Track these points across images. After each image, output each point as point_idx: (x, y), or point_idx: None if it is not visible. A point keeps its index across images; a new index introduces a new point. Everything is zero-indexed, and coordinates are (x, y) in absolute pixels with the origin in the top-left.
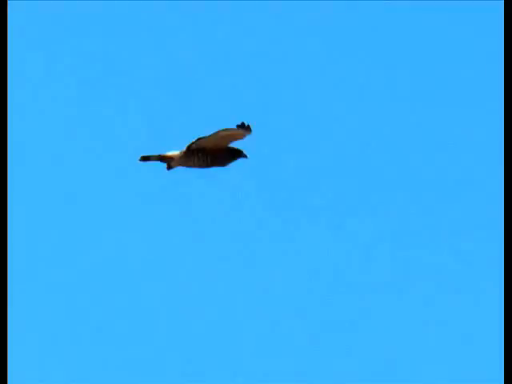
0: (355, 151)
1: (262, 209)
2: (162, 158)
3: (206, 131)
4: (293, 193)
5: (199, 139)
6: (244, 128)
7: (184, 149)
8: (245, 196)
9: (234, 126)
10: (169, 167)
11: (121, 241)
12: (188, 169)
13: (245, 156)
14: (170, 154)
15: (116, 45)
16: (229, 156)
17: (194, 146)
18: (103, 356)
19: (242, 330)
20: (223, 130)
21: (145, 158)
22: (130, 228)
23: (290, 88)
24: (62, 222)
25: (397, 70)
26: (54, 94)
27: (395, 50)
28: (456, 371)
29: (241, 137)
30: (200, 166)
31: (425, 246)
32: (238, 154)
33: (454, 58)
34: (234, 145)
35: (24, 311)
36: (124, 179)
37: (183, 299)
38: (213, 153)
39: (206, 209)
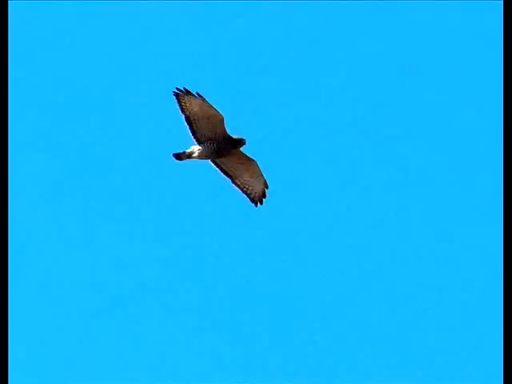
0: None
1: None
2: (188, 155)
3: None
4: None
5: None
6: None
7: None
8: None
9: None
10: (179, 159)
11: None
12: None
13: (244, 143)
14: (189, 150)
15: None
16: (231, 145)
17: (202, 136)
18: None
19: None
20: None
21: (177, 157)
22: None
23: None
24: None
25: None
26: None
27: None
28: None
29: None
30: (211, 155)
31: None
32: (238, 142)
33: (452, 60)
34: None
35: (24, 311)
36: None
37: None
38: (218, 143)
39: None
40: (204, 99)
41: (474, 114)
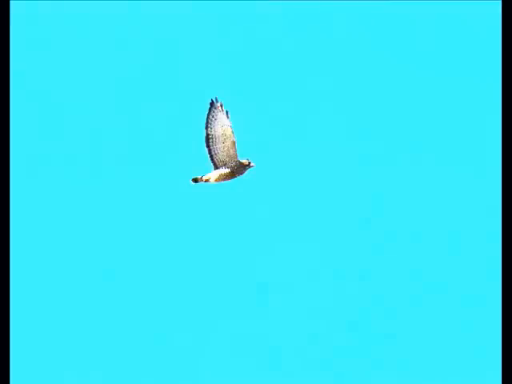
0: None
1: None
2: (206, 180)
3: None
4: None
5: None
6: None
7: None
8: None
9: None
10: (195, 181)
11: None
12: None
13: (253, 165)
14: (208, 175)
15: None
16: (242, 167)
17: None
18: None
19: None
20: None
21: (195, 180)
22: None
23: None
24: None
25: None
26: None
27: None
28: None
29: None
30: (226, 177)
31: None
32: (247, 164)
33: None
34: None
35: (26, 312)
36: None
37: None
38: (232, 167)
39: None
40: (228, 117)
41: (473, 114)
